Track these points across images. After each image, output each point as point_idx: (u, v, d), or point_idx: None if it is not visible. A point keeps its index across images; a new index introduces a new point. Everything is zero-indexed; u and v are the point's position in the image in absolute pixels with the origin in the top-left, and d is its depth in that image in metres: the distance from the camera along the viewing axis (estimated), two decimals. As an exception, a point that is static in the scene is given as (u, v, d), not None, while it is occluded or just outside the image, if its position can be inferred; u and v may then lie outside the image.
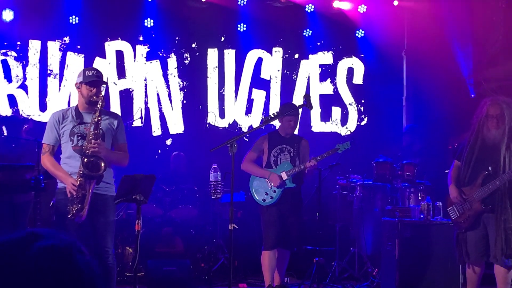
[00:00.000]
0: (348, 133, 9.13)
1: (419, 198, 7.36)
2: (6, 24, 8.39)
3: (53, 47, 8.70)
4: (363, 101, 9.50)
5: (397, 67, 9.60)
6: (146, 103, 9.01)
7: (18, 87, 8.55)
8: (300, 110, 6.41)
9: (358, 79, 9.50)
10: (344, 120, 9.43)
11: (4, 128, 7.58)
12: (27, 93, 8.57)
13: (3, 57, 8.51)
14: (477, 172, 5.40)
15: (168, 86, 9.09)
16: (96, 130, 4.83)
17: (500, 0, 8.47)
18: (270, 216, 6.35)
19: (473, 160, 5.42)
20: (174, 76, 9.12)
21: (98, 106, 4.85)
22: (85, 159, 4.75)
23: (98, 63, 8.73)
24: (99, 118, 4.85)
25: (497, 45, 8.53)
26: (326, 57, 9.47)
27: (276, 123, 6.72)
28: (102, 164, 4.76)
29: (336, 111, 9.43)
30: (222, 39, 9.33)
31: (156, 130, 9.03)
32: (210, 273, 7.54)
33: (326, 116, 9.41)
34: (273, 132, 6.73)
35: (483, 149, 5.39)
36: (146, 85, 9.04)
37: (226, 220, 7.61)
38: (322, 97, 9.40)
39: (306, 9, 9.34)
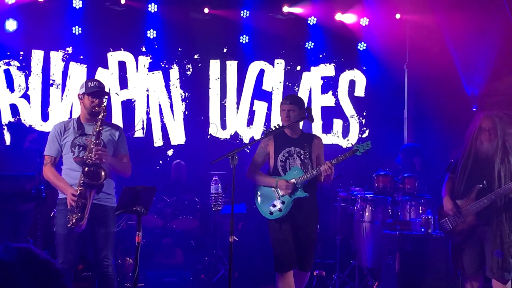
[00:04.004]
0: (350, 145, 9.12)
1: (420, 211, 7.35)
2: (9, 34, 8.41)
3: (56, 57, 8.72)
4: (364, 113, 9.51)
5: (399, 80, 9.62)
6: (148, 113, 9.03)
7: (20, 97, 8.58)
8: (301, 123, 5.86)
9: (360, 91, 9.52)
10: (345, 133, 9.45)
11: (6, 135, 7.58)
12: (29, 103, 8.59)
13: (6, 67, 8.53)
14: (471, 185, 5.39)
15: (170, 97, 9.11)
16: (97, 139, 4.84)
17: (501, 12, 8.48)
18: (280, 233, 5.33)
19: (467, 173, 5.42)
20: (176, 87, 9.14)
21: (100, 116, 4.87)
22: (86, 168, 4.76)
23: (100, 73, 8.76)
24: (100, 128, 4.86)
25: (498, 58, 8.55)
26: (328, 69, 9.49)
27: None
28: (103, 173, 4.77)
29: (337, 123, 9.44)
30: (225, 50, 9.36)
31: (158, 141, 9.05)
32: (210, 285, 7.53)
33: (327, 128, 9.42)
34: (279, 133, 5.44)
35: (477, 162, 5.40)
36: (148, 95, 9.06)
37: (226, 232, 7.60)
38: (324, 109, 9.42)
39: (308, 22, 9.36)
